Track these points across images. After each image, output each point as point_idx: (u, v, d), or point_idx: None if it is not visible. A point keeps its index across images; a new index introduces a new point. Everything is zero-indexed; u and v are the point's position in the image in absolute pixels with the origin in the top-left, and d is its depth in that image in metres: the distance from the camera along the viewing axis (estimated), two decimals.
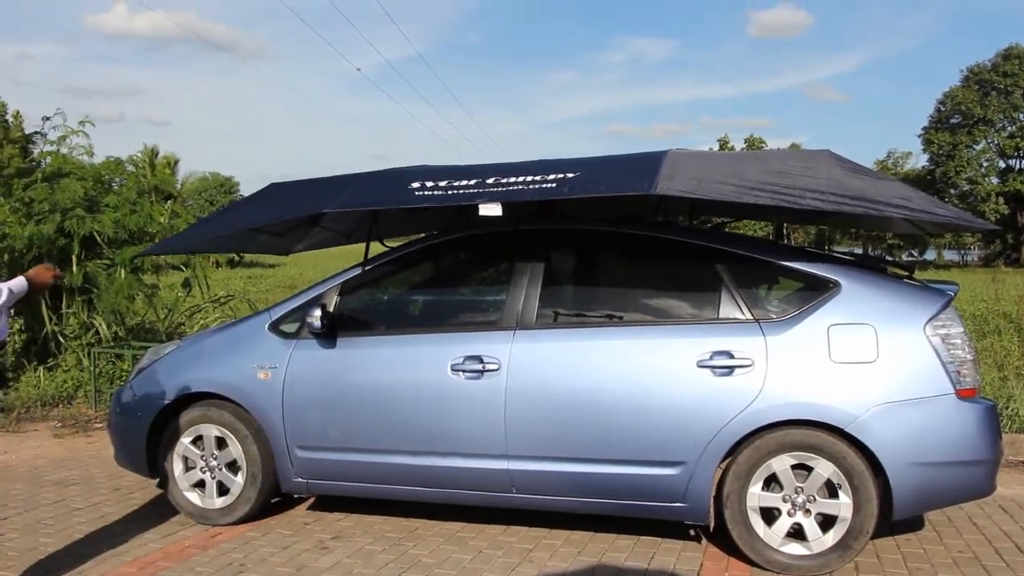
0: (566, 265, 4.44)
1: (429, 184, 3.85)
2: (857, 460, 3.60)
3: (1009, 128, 54.45)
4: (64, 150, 8.51)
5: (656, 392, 3.79)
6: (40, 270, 3.31)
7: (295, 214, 4.43)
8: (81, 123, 8.52)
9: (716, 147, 58.30)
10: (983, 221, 4.04)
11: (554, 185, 3.59)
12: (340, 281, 4.36)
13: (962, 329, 3.74)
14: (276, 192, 4.64)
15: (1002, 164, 56.05)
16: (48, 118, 8.41)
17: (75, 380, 7.61)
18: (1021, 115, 53.80)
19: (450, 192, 3.77)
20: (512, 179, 3.71)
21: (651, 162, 3.64)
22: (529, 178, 3.68)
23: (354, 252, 4.68)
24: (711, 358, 3.73)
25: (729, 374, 3.71)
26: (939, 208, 3.72)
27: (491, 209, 3.65)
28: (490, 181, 3.75)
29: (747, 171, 3.65)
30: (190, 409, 4.41)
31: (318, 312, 4.11)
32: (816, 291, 3.81)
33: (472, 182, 3.79)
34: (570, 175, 3.65)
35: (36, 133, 8.69)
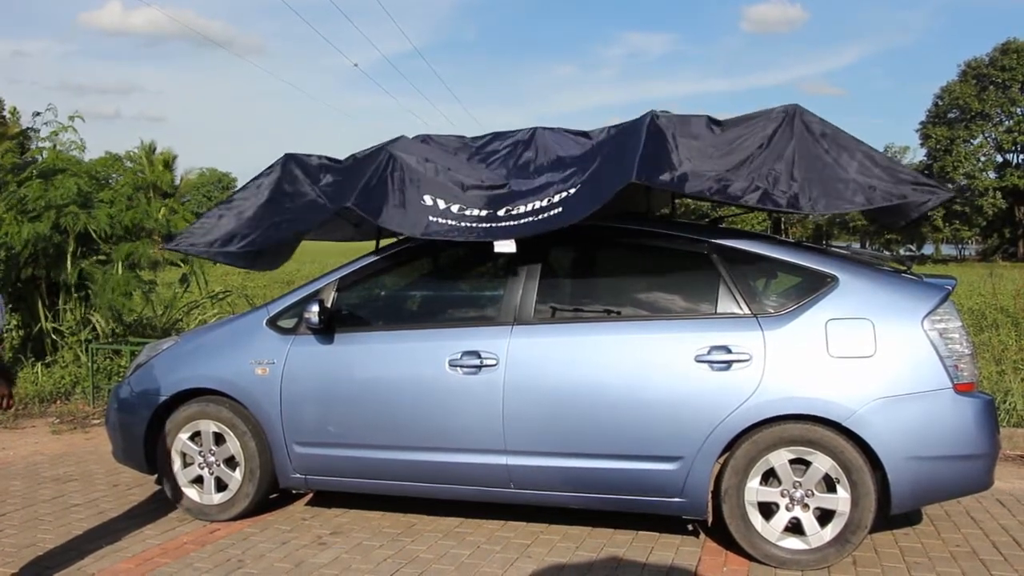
0: (563, 260, 4.43)
1: (442, 207, 4.03)
2: (855, 454, 3.60)
3: (1007, 122, 54.56)
4: (56, 146, 8.48)
5: (654, 387, 3.79)
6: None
7: (326, 213, 4.28)
8: (71, 118, 8.46)
9: None
10: (927, 188, 3.74)
11: (560, 210, 3.81)
12: (338, 277, 4.35)
13: (960, 323, 3.74)
14: (294, 170, 4.46)
15: (999, 158, 56.14)
16: (39, 113, 8.37)
17: (73, 376, 7.60)
18: (1019, 109, 53.89)
19: (463, 224, 3.96)
20: (521, 209, 3.94)
21: (633, 139, 3.82)
22: (537, 204, 3.92)
23: (352, 250, 4.64)
24: (709, 353, 3.73)
25: (727, 369, 3.71)
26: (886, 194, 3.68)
27: (506, 246, 3.88)
28: (501, 213, 3.96)
29: (716, 158, 3.82)
30: (188, 405, 4.41)
31: (316, 308, 4.11)
32: (814, 286, 3.81)
33: (484, 213, 3.99)
34: (572, 191, 3.89)
35: (29, 129, 8.65)
